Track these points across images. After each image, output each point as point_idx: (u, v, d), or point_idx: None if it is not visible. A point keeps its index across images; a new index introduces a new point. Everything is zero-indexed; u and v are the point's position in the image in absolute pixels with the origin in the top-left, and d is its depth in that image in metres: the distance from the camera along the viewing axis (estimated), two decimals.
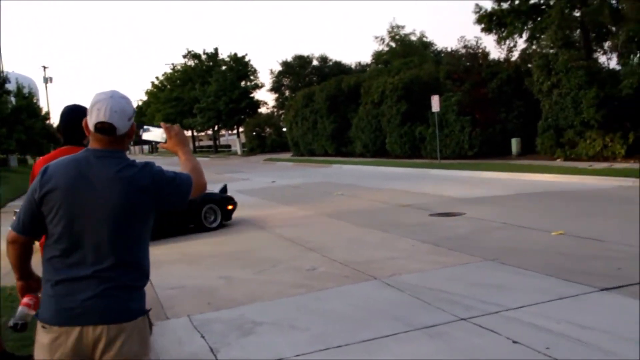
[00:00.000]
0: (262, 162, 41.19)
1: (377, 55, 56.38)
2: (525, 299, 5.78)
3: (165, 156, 71.79)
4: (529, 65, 25.92)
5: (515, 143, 26.13)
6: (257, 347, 5.14)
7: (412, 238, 9.46)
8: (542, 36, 27.33)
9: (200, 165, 2.83)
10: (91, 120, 2.45)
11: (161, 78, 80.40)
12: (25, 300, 2.71)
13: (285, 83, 62.22)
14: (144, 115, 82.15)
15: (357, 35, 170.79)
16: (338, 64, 61.64)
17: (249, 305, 6.31)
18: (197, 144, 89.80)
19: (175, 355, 5.11)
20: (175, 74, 75.35)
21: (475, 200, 13.82)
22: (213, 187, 15.51)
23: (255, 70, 65.79)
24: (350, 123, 36.55)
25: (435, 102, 25.97)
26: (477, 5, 29.47)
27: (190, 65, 71.66)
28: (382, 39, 55.24)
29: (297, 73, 61.27)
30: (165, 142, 2.91)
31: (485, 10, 29.21)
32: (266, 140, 55.38)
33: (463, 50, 30.23)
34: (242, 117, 61.13)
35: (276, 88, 62.39)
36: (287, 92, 60.98)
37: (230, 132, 76.36)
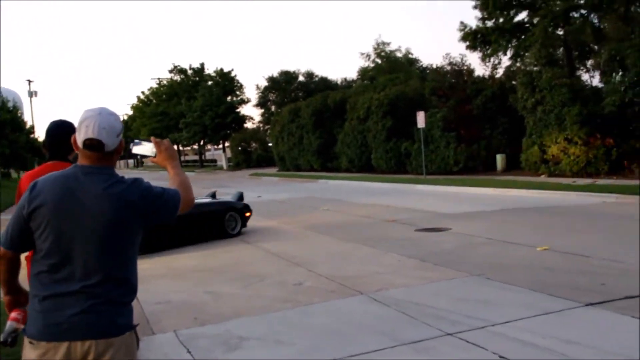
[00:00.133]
0: (248, 176, 41.14)
1: (363, 72, 56.73)
2: (511, 314, 5.81)
3: (151, 170, 71.50)
4: (514, 83, 26.25)
5: (500, 159, 26.35)
6: None
7: (398, 253, 9.48)
8: (526, 54, 27.75)
9: (189, 181, 2.85)
10: (80, 137, 2.46)
11: (147, 92, 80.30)
12: (13, 315, 2.69)
13: (271, 98, 62.35)
14: (130, 129, 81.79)
15: (343, 51, 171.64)
16: (324, 80, 61.92)
17: (235, 320, 6.29)
18: (182, 158, 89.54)
19: None
20: (161, 89, 75.24)
21: (461, 215, 13.89)
22: (224, 195, 15.60)
23: (241, 86, 65.88)
24: (336, 138, 36.67)
25: (421, 118, 26.16)
26: (462, 23, 29.80)
27: (176, 80, 71.62)
28: (368, 56, 55.70)
29: (283, 88, 61.45)
30: (155, 157, 2.92)
31: (470, 28, 29.54)
32: (252, 155, 55.39)
33: (448, 67, 30.56)
34: (228, 132, 61.12)
35: (262, 103, 62.50)
36: (273, 108, 61.10)
37: (216, 146, 76.27)
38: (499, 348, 4.92)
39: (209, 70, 68.89)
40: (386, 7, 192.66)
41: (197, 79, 68.67)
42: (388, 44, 55.13)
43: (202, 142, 68.76)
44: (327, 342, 5.41)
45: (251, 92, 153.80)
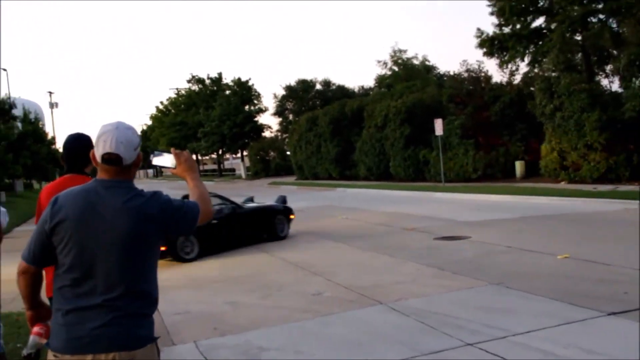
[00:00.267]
0: (267, 185, 41.24)
1: (380, 79, 56.65)
2: (532, 323, 5.76)
3: (170, 180, 71.96)
4: (532, 89, 26.09)
5: (519, 166, 26.17)
6: None
7: (417, 262, 9.45)
8: (544, 60, 27.53)
9: (207, 192, 2.88)
10: (98, 152, 2.50)
11: (166, 103, 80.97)
12: (36, 329, 2.73)
13: (288, 107, 62.46)
14: (149, 139, 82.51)
15: (360, 59, 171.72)
16: (341, 88, 61.92)
17: (254, 331, 6.30)
18: (201, 167, 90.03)
19: None
20: (180, 99, 75.83)
21: (480, 223, 13.82)
22: (264, 199, 15.77)
23: (258, 95, 66.18)
24: (353, 146, 36.66)
25: (439, 126, 26.08)
26: (478, 29, 29.68)
27: (194, 90, 72.13)
28: (385, 63, 55.56)
29: (301, 97, 61.54)
30: (175, 168, 2.95)
31: (487, 35, 29.41)
32: (270, 164, 55.51)
33: (465, 74, 30.43)
34: (246, 141, 61.37)
35: (280, 112, 62.64)
36: (290, 116, 61.19)
37: (234, 155, 76.58)
38: (520, 358, 4.88)
39: (227, 79, 69.38)
40: (402, 15, 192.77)
41: (215, 88, 69.13)
42: (405, 51, 55.02)
43: (220, 152, 69.08)
44: (347, 353, 5.40)
45: (269, 101, 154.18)
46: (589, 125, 21.30)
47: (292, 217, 13.94)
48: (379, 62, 57.15)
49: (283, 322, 6.59)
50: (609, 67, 28.35)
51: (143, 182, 76.45)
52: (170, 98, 79.73)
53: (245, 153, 63.82)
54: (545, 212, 15.07)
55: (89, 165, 2.58)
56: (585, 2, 25.56)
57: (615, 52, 26.27)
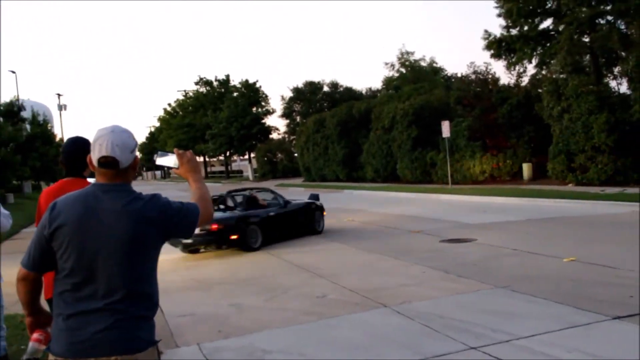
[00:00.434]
0: (274, 187, 41.21)
1: (388, 81, 56.60)
2: (537, 327, 5.73)
3: (177, 182, 72.11)
4: (539, 91, 26.01)
5: (526, 168, 26.09)
6: None
7: (422, 264, 9.43)
8: (552, 62, 27.41)
9: (209, 194, 2.86)
10: (94, 156, 2.51)
11: (173, 105, 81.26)
12: (35, 335, 2.72)
13: (296, 109, 62.53)
14: (157, 141, 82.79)
15: (367, 61, 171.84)
16: (349, 90, 61.93)
17: (258, 333, 6.30)
18: (209, 169, 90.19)
19: None
20: (188, 101, 76.08)
21: (487, 226, 13.78)
22: (301, 196, 15.94)
23: (266, 97, 66.41)
24: (361, 148, 36.65)
25: (446, 128, 26.04)
26: (486, 31, 29.59)
27: (202, 92, 72.38)
28: (392, 65, 55.52)
29: (308, 99, 61.60)
30: (178, 168, 2.95)
31: (495, 37, 29.32)
32: (278, 166, 55.59)
33: (473, 76, 30.37)
34: (254, 142, 61.49)
35: (287, 114, 62.72)
36: (298, 118, 61.26)
37: (241, 157, 76.74)
38: None
39: (235, 81, 69.65)
40: (410, 17, 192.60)
41: (223, 90, 69.36)
42: (412, 53, 54.98)
43: (228, 153, 69.25)
44: (350, 356, 5.39)
45: (276, 103, 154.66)
46: (596, 127, 21.21)
47: (324, 213, 14.83)
48: (386, 64, 56.93)
49: (287, 324, 6.59)
50: (617, 69, 28.19)
51: (151, 184, 76.73)
52: (178, 100, 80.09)
53: (252, 155, 63.93)
54: (552, 214, 15.01)
55: (88, 168, 2.58)
56: (593, 3, 25.44)
57: (623, 53, 26.11)
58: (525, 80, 30.23)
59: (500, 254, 10.00)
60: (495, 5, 28.55)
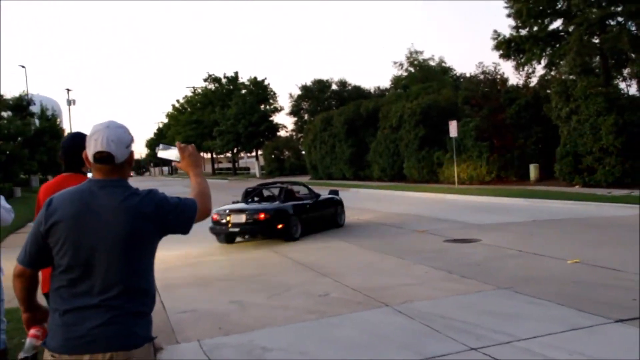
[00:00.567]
0: None
1: (396, 80, 56.55)
2: (538, 329, 5.71)
3: (184, 177, 72.24)
4: (548, 92, 25.88)
5: (533, 169, 26.00)
6: None
7: (426, 264, 9.41)
8: (561, 62, 27.30)
9: (209, 189, 2.85)
10: (90, 151, 2.50)
11: (182, 101, 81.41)
12: (32, 331, 2.72)
13: (304, 107, 62.55)
14: (165, 137, 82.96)
15: (376, 60, 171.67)
16: (357, 89, 61.90)
17: (259, 331, 6.30)
18: (216, 166, 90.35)
19: None
20: (196, 97, 76.20)
21: (492, 226, 13.74)
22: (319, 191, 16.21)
23: (274, 94, 66.41)
24: (368, 147, 36.61)
25: (453, 128, 25.97)
26: (495, 31, 29.49)
27: (210, 89, 72.45)
28: (401, 64, 55.46)
29: (316, 97, 61.61)
30: (179, 162, 2.94)
31: (504, 37, 29.22)
32: (285, 163, 55.61)
33: (481, 76, 30.26)
34: (261, 140, 61.55)
35: (295, 112, 62.75)
36: (306, 116, 61.28)
37: (249, 154, 76.83)
38: None
39: (243, 78, 69.65)
40: (419, 16, 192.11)
41: (231, 87, 69.40)
42: (421, 52, 54.91)
43: (235, 150, 69.35)
44: (350, 354, 5.38)
45: (284, 101, 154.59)
46: (604, 129, 21.09)
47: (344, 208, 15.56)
48: (395, 63, 57.03)
49: (288, 322, 6.59)
50: (626, 71, 28.09)
51: (158, 180, 76.91)
52: (186, 96, 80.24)
53: (260, 152, 63.99)
54: (558, 216, 14.95)
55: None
56: (604, 4, 25.30)
57: (633, 55, 26.00)
58: (534, 80, 30.17)
59: (505, 255, 9.97)
60: (505, 5, 28.46)
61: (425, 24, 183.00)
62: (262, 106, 64.33)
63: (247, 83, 67.30)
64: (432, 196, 23.69)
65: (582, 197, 18.30)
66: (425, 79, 49.51)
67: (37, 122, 43.69)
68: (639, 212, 14.25)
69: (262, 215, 12.55)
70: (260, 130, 60.74)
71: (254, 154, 68.88)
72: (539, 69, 30.57)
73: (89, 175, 2.86)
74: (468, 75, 36.76)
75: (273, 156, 56.56)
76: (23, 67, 50.29)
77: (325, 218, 14.68)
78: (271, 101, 66.15)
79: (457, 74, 54.95)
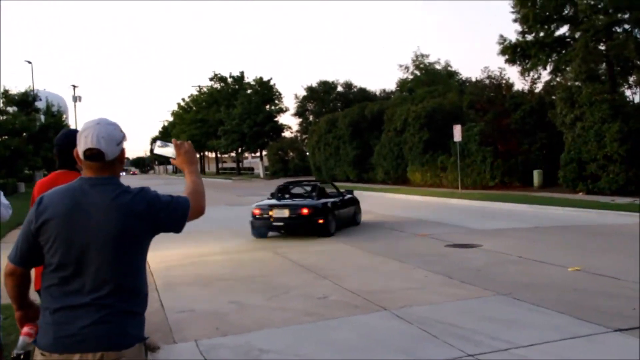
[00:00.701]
0: None
1: (402, 83, 56.49)
2: (537, 336, 5.68)
3: None
4: (553, 97, 25.83)
5: (537, 175, 25.93)
6: None
7: (426, 269, 9.39)
8: (567, 69, 27.23)
9: (203, 188, 2.82)
10: (80, 148, 2.48)
11: (187, 100, 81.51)
12: (25, 329, 2.71)
13: (309, 108, 62.58)
14: (169, 135, 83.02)
15: (382, 62, 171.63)
16: (362, 91, 61.90)
17: (257, 332, 6.29)
18: (220, 165, 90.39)
19: None
20: (202, 96, 76.30)
21: (494, 232, 13.71)
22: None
23: (280, 95, 66.45)
24: (372, 150, 36.60)
25: (457, 132, 25.93)
26: (501, 36, 29.50)
27: (216, 88, 72.53)
28: (407, 67, 55.38)
29: (322, 98, 61.63)
30: (175, 159, 2.92)
31: (510, 42, 29.20)
32: (289, 164, 55.63)
33: (487, 81, 30.23)
34: (266, 140, 61.58)
35: (300, 113, 62.78)
36: (311, 117, 61.31)
37: (253, 154, 76.89)
38: None
39: (249, 78, 69.68)
40: (426, 20, 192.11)
41: (237, 87, 69.46)
42: (427, 56, 54.81)
43: (240, 150, 69.36)
44: (347, 358, 5.37)
45: (290, 101, 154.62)
46: (609, 136, 21.03)
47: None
48: (400, 66, 56.83)
49: (286, 324, 6.57)
50: (632, 78, 28.01)
51: (162, 178, 76.96)
52: (192, 95, 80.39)
53: (264, 152, 64.01)
54: (560, 222, 14.91)
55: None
56: (610, 11, 25.26)
57: (639, 62, 25.93)
58: (539, 86, 30.13)
59: (505, 261, 9.94)
60: (512, 10, 28.43)
61: (432, 27, 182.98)
62: (268, 106, 64.37)
63: (253, 83, 67.38)
64: (435, 200, 23.66)
65: (585, 204, 18.25)
66: (430, 83, 49.44)
67: (42, 118, 43.77)
68: (639, 220, 14.21)
69: (305, 210, 13.28)
70: (265, 130, 60.78)
71: (258, 154, 68.94)
72: (545, 75, 30.64)
73: None
74: (473, 79, 36.79)
75: (277, 157, 56.60)
76: (29, 62, 50.36)
77: (349, 216, 15.20)
78: (276, 102, 66.21)
79: (463, 78, 54.86)
